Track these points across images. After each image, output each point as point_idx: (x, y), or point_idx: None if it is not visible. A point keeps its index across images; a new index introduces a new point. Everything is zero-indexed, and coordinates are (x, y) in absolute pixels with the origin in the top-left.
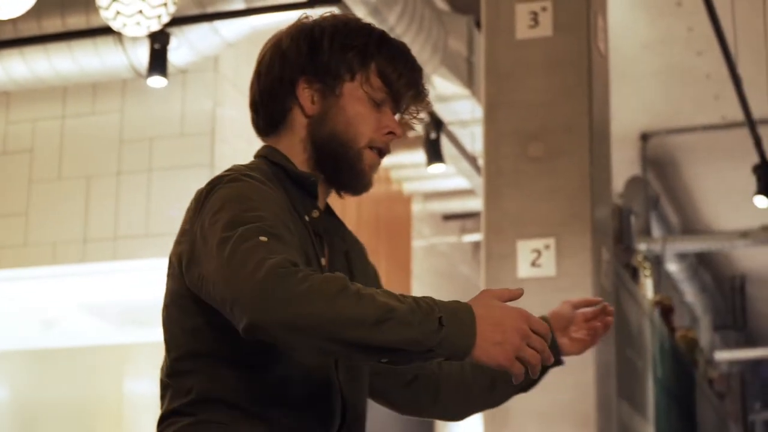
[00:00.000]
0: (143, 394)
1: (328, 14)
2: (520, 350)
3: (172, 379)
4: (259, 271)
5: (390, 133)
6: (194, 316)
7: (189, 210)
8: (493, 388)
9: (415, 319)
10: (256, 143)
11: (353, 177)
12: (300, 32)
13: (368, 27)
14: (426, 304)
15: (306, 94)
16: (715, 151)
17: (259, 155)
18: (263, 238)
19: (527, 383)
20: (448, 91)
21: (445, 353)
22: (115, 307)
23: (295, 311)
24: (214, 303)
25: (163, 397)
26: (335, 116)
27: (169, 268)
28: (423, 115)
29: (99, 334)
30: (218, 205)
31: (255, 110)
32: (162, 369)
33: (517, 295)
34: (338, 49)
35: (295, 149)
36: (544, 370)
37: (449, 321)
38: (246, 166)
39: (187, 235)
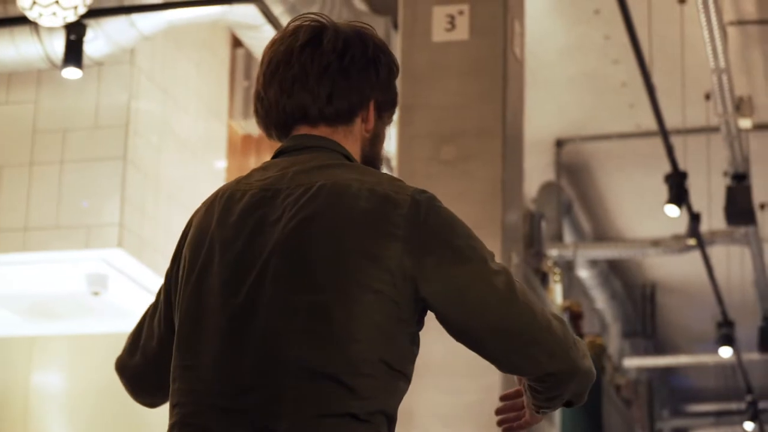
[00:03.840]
0: (50, 386)
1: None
2: None
3: (354, 379)
4: (556, 321)
5: None
6: (397, 324)
7: (377, 212)
8: None
9: None
10: (169, 137)
11: None
12: (388, 54)
13: None
14: None
15: (372, 109)
16: (628, 159)
17: (333, 149)
18: (518, 281)
19: None
20: None
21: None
22: (24, 299)
23: (588, 364)
24: (475, 328)
25: (311, 390)
26: (381, 140)
27: (371, 263)
28: None
29: (7, 325)
30: (457, 225)
31: (329, 97)
32: (320, 360)
33: None
34: (395, 84)
35: (356, 156)
36: None
37: None
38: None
39: (403, 242)
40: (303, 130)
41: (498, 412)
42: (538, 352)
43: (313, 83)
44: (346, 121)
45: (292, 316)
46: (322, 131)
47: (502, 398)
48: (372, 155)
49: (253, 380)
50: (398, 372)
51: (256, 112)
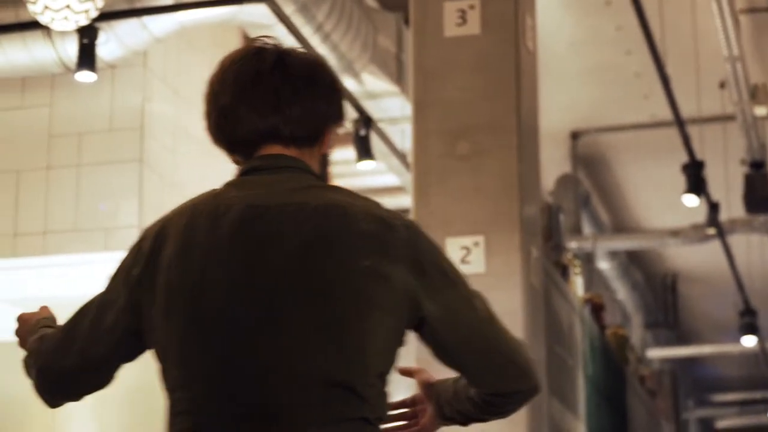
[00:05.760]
0: None
1: None
2: None
3: (365, 389)
4: (520, 342)
5: None
6: (396, 341)
7: (379, 234)
8: None
9: None
10: (184, 138)
11: None
12: (340, 82)
13: None
14: None
15: (328, 133)
16: (644, 149)
17: (306, 171)
18: None
19: None
20: (377, 88)
21: None
22: (44, 302)
23: None
24: (461, 348)
25: (331, 398)
26: (328, 161)
27: (379, 282)
28: None
29: None
30: (441, 249)
31: (300, 120)
32: (339, 371)
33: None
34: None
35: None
36: None
37: None
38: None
39: (404, 264)
40: (274, 149)
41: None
42: (512, 371)
43: (285, 106)
44: (311, 144)
45: (310, 330)
46: (292, 152)
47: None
48: (324, 175)
49: (273, 389)
50: (387, 383)
51: (218, 126)
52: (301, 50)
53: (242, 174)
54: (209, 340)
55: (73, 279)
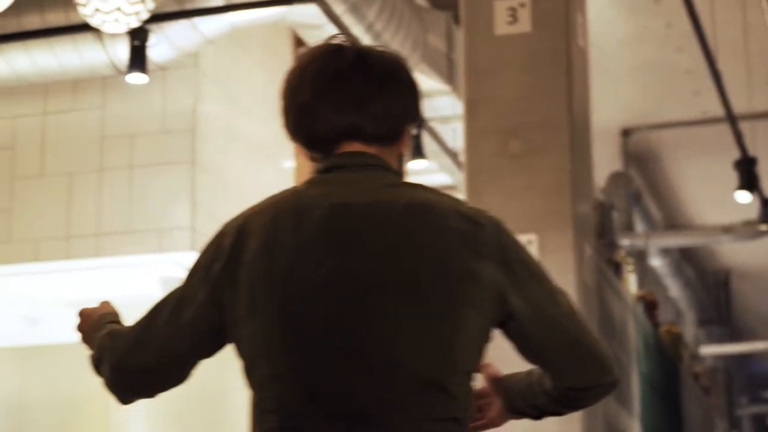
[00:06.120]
0: None
1: None
2: None
3: (455, 387)
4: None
5: None
6: (484, 339)
7: (467, 232)
8: None
9: None
10: (235, 139)
11: None
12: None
13: None
14: None
15: (407, 132)
16: (696, 146)
17: (388, 169)
18: None
19: None
20: (428, 87)
21: None
22: (98, 304)
23: None
24: (547, 344)
25: (424, 397)
26: (403, 160)
27: (468, 280)
28: None
29: None
30: (524, 246)
31: (382, 118)
32: (431, 369)
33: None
34: None
35: None
36: None
37: None
38: None
39: (493, 261)
40: (355, 147)
41: None
42: (595, 365)
43: (368, 104)
44: (391, 142)
45: (400, 328)
46: (373, 150)
47: None
48: (401, 174)
49: (363, 388)
50: (472, 380)
51: (297, 123)
52: (380, 48)
53: (322, 171)
54: (296, 339)
55: (127, 280)
